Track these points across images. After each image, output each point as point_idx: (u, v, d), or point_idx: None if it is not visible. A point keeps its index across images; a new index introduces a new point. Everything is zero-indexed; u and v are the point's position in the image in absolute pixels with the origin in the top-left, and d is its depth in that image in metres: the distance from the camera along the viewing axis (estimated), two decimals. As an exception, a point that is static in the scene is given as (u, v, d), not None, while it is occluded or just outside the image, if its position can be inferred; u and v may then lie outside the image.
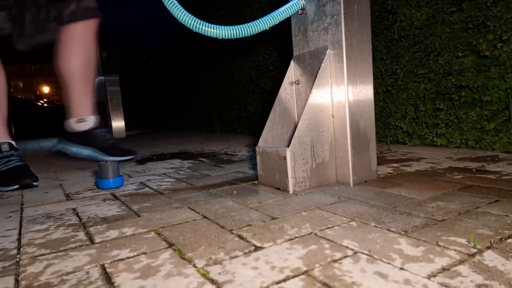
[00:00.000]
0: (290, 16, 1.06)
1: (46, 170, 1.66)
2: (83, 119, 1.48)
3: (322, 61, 0.98)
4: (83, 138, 1.43)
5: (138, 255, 0.58)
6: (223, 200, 0.91)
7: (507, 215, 0.66)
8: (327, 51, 0.97)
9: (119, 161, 1.35)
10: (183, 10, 0.91)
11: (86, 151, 1.49)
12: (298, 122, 0.96)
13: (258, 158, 1.05)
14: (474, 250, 0.52)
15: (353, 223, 0.67)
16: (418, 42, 1.65)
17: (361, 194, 0.88)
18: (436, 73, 1.58)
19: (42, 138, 4.65)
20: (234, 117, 3.41)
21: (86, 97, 1.51)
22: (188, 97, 4.36)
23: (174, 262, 0.54)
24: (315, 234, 0.62)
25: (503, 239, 0.55)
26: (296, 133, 0.94)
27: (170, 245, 0.61)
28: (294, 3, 1.03)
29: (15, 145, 1.33)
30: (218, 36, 0.95)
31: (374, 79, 1.03)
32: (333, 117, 1.00)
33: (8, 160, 1.28)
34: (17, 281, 0.51)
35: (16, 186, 1.21)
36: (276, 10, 1.00)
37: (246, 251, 0.57)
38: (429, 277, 0.45)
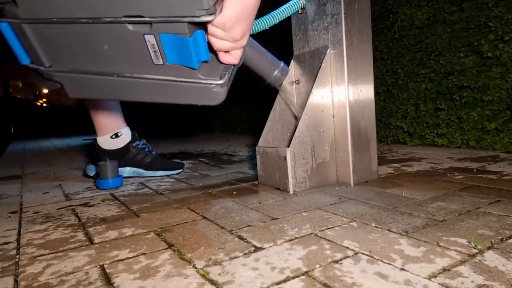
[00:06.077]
0: (290, 16, 1.06)
1: (45, 170, 1.66)
2: (118, 133, 1.25)
3: (322, 61, 0.97)
4: (120, 156, 1.20)
5: (137, 255, 0.58)
6: (223, 200, 0.90)
7: (508, 216, 0.66)
8: (328, 51, 0.97)
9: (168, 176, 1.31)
10: None
11: (125, 171, 1.26)
12: (298, 122, 0.95)
13: (258, 158, 1.05)
14: (475, 251, 0.52)
15: (354, 224, 0.67)
16: (419, 42, 1.65)
17: (362, 194, 0.88)
18: (437, 73, 1.57)
19: (41, 138, 4.65)
20: (234, 117, 3.41)
21: (117, 107, 1.26)
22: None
23: (174, 263, 0.54)
24: (316, 235, 0.62)
25: (504, 239, 0.55)
26: (296, 133, 0.94)
27: (170, 245, 0.61)
28: (295, 2, 1.03)
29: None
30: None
31: (374, 79, 1.03)
32: (333, 117, 0.99)
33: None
34: (16, 281, 0.51)
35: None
36: (276, 10, 1.00)
37: (246, 251, 0.57)
38: (429, 277, 0.45)
